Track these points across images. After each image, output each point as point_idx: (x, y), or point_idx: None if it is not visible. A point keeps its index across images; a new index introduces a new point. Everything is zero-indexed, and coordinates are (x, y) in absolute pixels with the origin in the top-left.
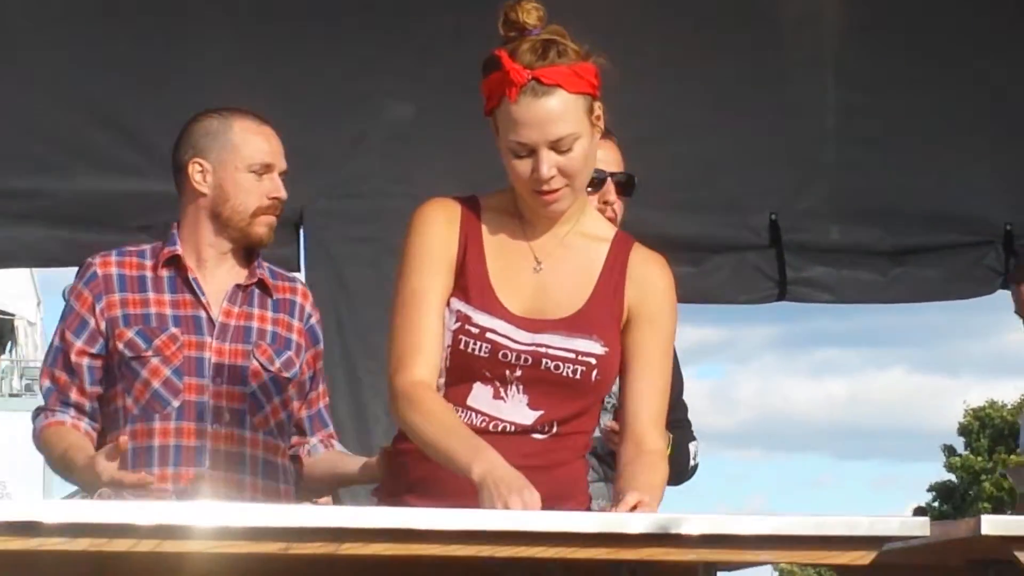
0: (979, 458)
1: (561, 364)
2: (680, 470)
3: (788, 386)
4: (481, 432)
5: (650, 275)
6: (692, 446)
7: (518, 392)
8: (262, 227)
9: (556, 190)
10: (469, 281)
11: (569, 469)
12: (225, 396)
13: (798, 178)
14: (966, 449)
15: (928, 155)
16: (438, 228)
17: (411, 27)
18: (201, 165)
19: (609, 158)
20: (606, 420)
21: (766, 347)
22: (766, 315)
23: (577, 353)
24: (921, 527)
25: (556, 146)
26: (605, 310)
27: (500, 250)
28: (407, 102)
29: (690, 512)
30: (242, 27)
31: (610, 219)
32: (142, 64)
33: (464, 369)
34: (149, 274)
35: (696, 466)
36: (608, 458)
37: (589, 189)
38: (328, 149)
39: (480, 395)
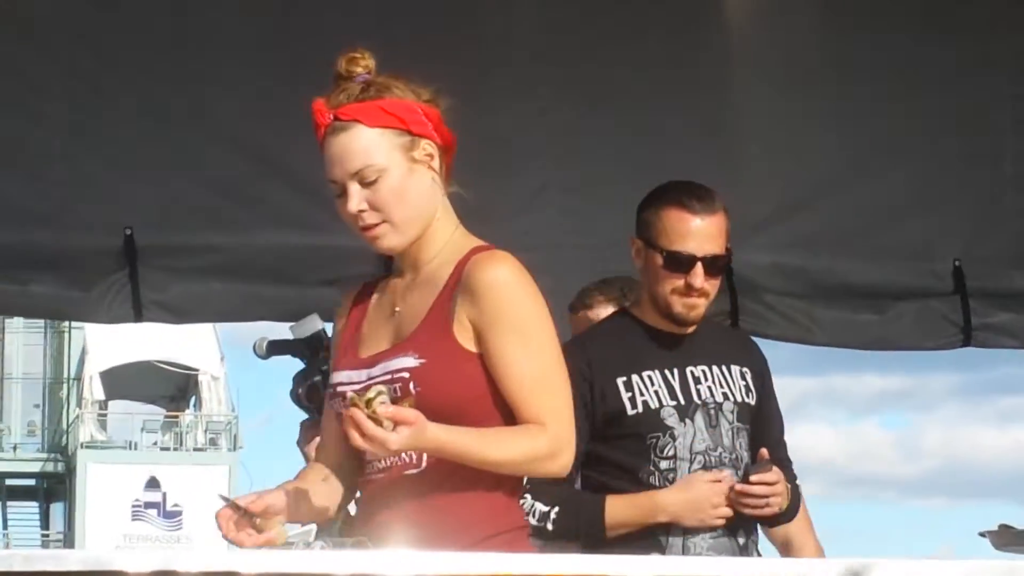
0: None
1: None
2: (797, 505)
3: (974, 434)
4: (381, 473)
5: (476, 274)
6: (799, 485)
7: None
8: None
9: (373, 225)
10: (338, 352)
11: (454, 500)
12: None
13: (980, 224)
14: None
15: None
16: (337, 322)
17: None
18: None
19: (710, 232)
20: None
21: (950, 395)
22: (948, 363)
23: (391, 373)
24: None
25: (359, 179)
26: (429, 324)
27: (374, 312)
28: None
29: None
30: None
31: (692, 304)
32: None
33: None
34: None
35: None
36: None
37: (669, 271)
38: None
39: None
